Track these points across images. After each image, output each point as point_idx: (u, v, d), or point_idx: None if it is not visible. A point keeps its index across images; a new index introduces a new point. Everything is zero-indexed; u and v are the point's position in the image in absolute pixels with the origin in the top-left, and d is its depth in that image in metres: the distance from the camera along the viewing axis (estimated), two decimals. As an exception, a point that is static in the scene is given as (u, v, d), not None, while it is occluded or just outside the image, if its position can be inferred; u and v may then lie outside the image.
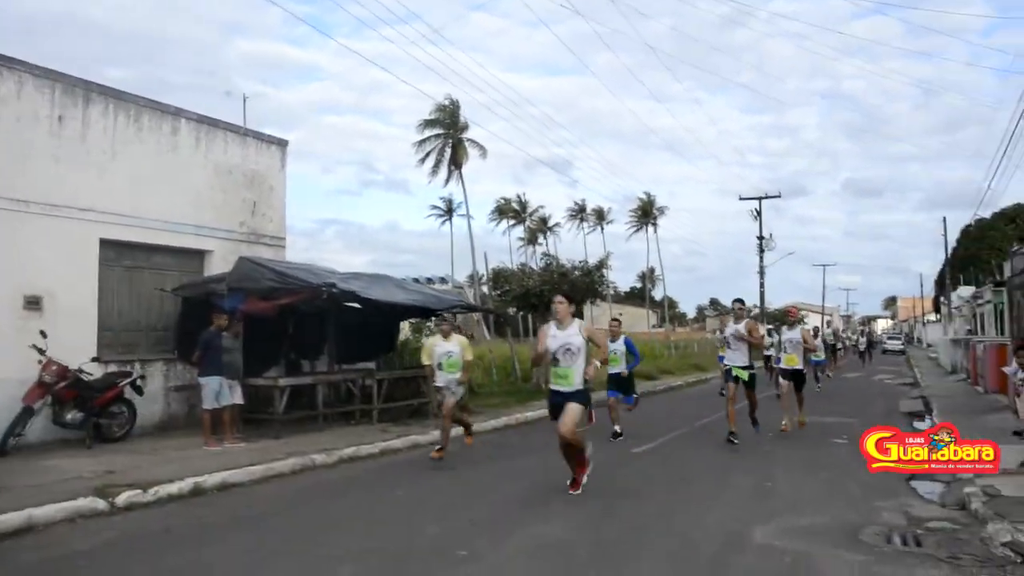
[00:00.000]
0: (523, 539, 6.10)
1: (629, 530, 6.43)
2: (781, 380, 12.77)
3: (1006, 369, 12.28)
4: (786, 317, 13.73)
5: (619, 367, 11.82)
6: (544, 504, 7.38)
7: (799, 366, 12.61)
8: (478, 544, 5.94)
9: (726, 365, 11.30)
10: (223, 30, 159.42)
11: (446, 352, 10.04)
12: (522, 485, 8.34)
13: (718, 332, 11.65)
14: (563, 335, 7.43)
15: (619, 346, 11.87)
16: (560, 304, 7.58)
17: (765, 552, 5.75)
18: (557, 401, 7.51)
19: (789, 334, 12.75)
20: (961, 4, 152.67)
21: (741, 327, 10.94)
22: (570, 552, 5.81)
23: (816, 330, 23.15)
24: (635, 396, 12.68)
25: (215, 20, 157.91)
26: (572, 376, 7.39)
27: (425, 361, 10.35)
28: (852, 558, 5.55)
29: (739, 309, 11.36)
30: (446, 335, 10.18)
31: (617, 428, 11.69)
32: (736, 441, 10.68)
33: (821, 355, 21.12)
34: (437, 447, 9.92)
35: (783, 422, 12.11)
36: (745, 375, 10.99)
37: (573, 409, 7.34)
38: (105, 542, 6.22)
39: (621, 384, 11.99)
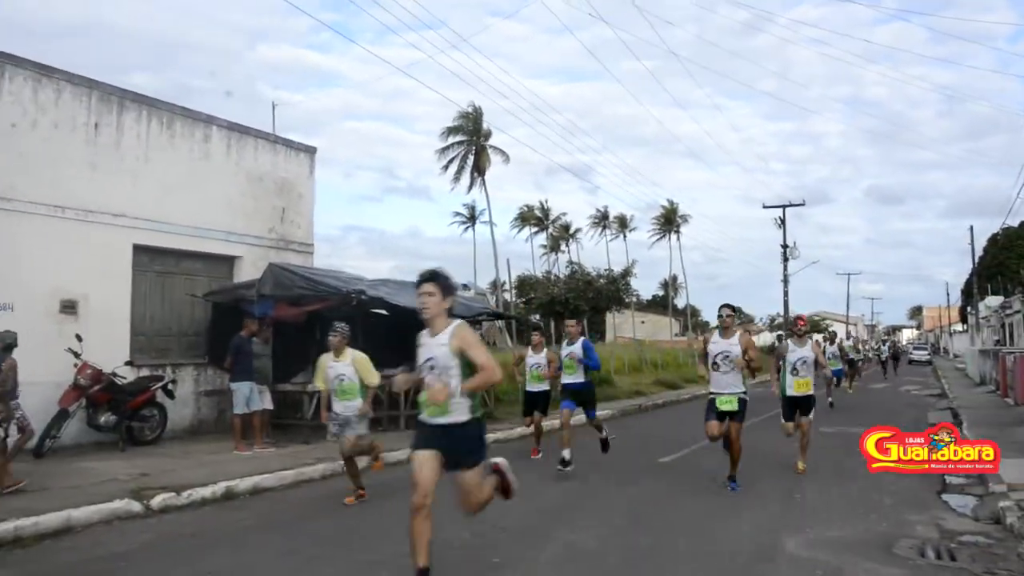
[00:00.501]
0: (555, 547, 6.13)
1: (659, 539, 6.44)
2: (785, 422, 9.74)
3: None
4: (793, 328, 10.34)
5: (575, 375, 9.95)
6: (575, 512, 7.41)
7: (811, 392, 9.64)
8: (510, 551, 5.98)
9: (711, 394, 8.51)
10: (247, 36, 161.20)
11: (338, 375, 7.85)
12: (552, 493, 8.37)
13: (700, 343, 9.38)
14: (432, 343, 4.96)
15: (576, 349, 9.96)
16: (429, 296, 4.92)
17: (796, 564, 5.74)
18: (432, 445, 4.85)
19: (799, 352, 9.62)
20: (986, 11, 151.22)
21: (734, 344, 8.33)
22: (602, 560, 5.84)
23: (833, 336, 21.57)
24: (597, 413, 10.45)
25: (239, 26, 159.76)
26: (447, 403, 4.79)
27: (320, 385, 8.17)
28: (886, 571, 5.52)
29: (728, 318, 8.49)
30: (337, 351, 7.94)
31: (566, 454, 9.41)
32: (735, 487, 8.42)
33: (837, 364, 19.68)
34: (351, 493, 7.94)
35: (799, 464, 9.60)
36: (733, 403, 8.31)
37: (469, 479, 4.89)
38: (143, 544, 6.32)
39: (579, 397, 10.01)
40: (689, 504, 7.90)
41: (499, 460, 5.34)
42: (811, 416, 9.69)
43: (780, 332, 23.64)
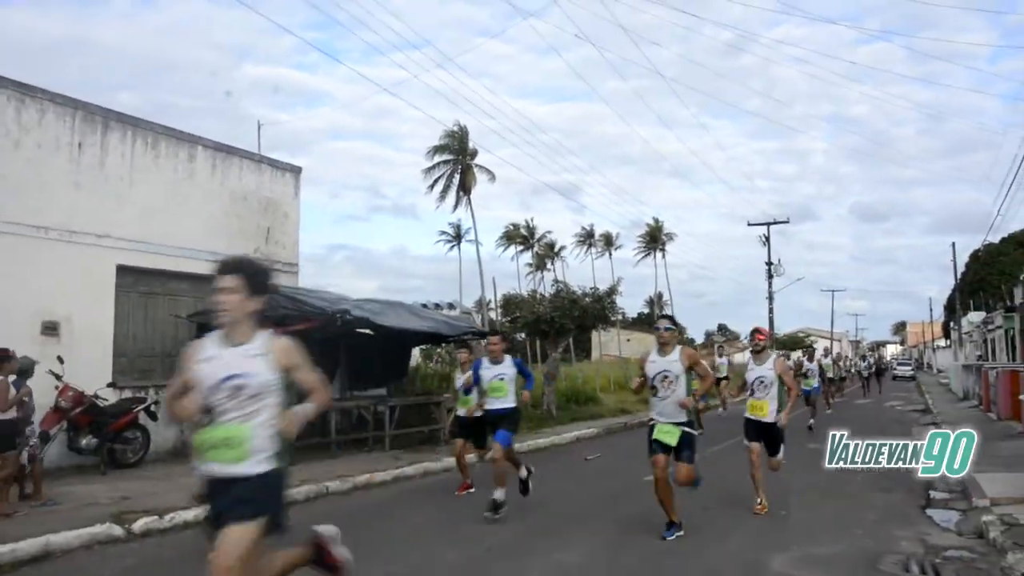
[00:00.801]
0: (542, 565, 6.10)
1: (646, 558, 6.42)
2: (748, 443, 8.18)
3: None
4: (752, 342, 8.60)
5: (505, 399, 8.31)
6: (561, 531, 7.37)
7: (768, 417, 8.06)
8: (497, 570, 5.96)
9: (651, 420, 7.04)
10: (232, 55, 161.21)
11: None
12: (538, 512, 8.33)
13: (638, 363, 7.52)
14: (234, 357, 3.61)
15: (507, 369, 8.33)
16: (230, 293, 3.62)
17: (783, 581, 5.74)
18: (220, 507, 3.62)
19: (757, 370, 8.19)
20: (966, 31, 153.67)
21: (674, 362, 6.80)
22: (588, 580, 5.82)
23: (811, 352, 21.17)
24: (511, 435, 8.17)
25: (224, 45, 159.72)
26: (244, 442, 3.54)
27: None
28: (871, 587, 5.54)
29: (666, 332, 6.93)
30: None
31: (499, 495, 7.84)
32: (679, 533, 6.89)
33: (814, 382, 19.22)
34: None
35: (757, 501, 8.12)
36: (675, 436, 6.75)
37: (237, 535, 3.51)
38: (124, 569, 6.26)
39: (503, 423, 8.22)
40: (675, 522, 7.87)
41: (323, 530, 4.32)
42: (780, 455, 8.39)
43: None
